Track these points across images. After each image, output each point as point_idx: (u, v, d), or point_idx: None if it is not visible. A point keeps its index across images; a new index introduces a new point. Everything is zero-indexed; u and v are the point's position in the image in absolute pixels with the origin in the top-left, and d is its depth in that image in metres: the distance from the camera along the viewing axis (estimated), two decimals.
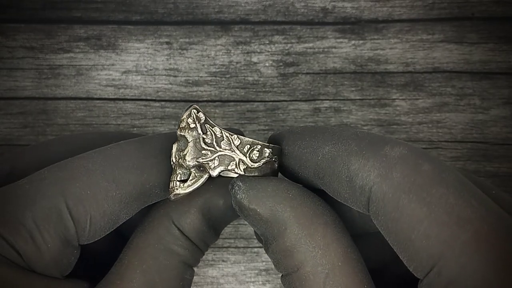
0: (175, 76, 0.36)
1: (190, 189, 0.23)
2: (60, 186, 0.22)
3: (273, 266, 0.34)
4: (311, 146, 0.23)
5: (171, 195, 0.23)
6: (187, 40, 0.36)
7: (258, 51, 0.36)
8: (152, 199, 0.23)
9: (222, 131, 0.23)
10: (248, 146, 0.23)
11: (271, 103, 0.36)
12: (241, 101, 0.36)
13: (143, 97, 0.36)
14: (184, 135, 0.23)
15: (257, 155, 0.24)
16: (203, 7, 0.36)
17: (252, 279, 0.35)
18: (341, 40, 0.36)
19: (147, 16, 0.36)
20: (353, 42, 0.36)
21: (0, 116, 0.36)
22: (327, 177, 0.22)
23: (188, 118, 0.23)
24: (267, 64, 0.36)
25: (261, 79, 0.36)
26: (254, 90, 0.36)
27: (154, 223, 0.24)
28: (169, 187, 0.23)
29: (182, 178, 0.23)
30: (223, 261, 0.35)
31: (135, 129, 0.36)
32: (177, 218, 0.24)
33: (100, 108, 0.36)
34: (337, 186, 0.21)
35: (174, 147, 0.23)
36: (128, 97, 0.36)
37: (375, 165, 0.20)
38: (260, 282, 0.35)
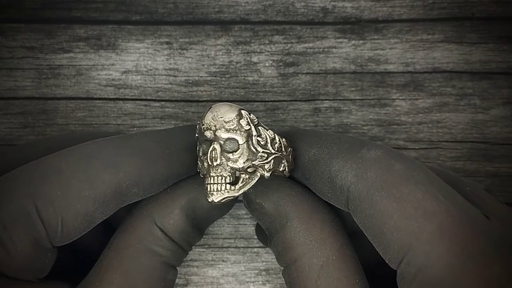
0: (175, 76, 0.36)
1: (241, 191, 0.23)
2: (30, 188, 0.21)
3: (273, 266, 0.34)
4: (299, 149, 0.24)
5: (217, 199, 0.22)
6: (187, 40, 0.36)
7: (258, 51, 0.36)
8: (130, 199, 0.23)
9: (275, 133, 0.23)
10: (290, 148, 0.24)
11: (271, 103, 0.36)
12: (241, 101, 0.36)
13: (143, 97, 0.36)
14: (233, 137, 0.22)
15: (293, 156, 0.24)
16: (203, 7, 0.36)
17: (252, 279, 0.35)
18: (341, 40, 0.36)
19: (147, 16, 0.36)
20: (353, 42, 0.36)
21: (0, 116, 0.36)
22: (312, 178, 0.23)
23: (239, 119, 0.22)
24: (267, 64, 0.36)
25: (261, 79, 0.36)
26: (254, 90, 0.36)
27: (136, 223, 0.24)
28: (208, 190, 0.22)
29: (230, 181, 0.22)
30: (223, 261, 0.35)
31: (135, 129, 0.36)
32: (159, 219, 0.24)
33: (100, 108, 0.36)
34: (321, 186, 0.23)
35: (217, 148, 0.22)
36: (128, 97, 0.36)
37: (353, 167, 0.21)
38: (260, 282, 0.35)
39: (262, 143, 0.23)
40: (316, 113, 0.36)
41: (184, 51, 0.36)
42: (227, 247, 0.35)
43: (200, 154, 0.23)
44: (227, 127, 0.22)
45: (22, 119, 0.35)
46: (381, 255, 0.21)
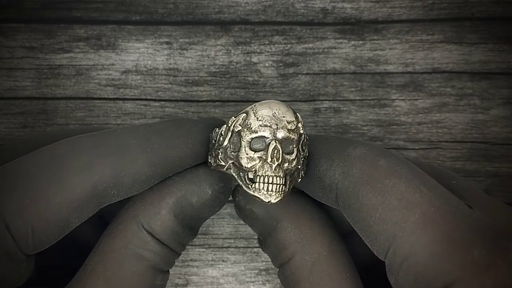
0: (175, 76, 0.36)
1: (288, 192, 0.22)
2: None
3: (273, 266, 0.34)
4: None
5: (276, 199, 0.22)
6: (187, 40, 0.36)
7: (258, 51, 0.36)
8: (109, 200, 0.22)
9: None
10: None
11: None
12: (241, 101, 0.36)
13: (143, 97, 0.36)
14: (292, 139, 0.22)
15: None
16: (203, 7, 0.36)
17: (252, 279, 0.35)
18: (340, 40, 0.36)
19: (147, 16, 0.36)
20: (352, 42, 0.36)
21: (0, 116, 0.35)
22: (304, 180, 0.24)
23: (298, 122, 0.22)
24: (267, 65, 0.36)
25: (261, 79, 0.36)
26: (254, 90, 0.36)
27: (122, 226, 0.23)
28: (266, 190, 0.22)
29: (284, 182, 0.22)
30: (223, 261, 0.35)
31: None
32: (146, 220, 0.23)
33: (100, 108, 0.36)
34: (312, 187, 0.23)
35: (279, 147, 0.22)
36: (128, 97, 0.36)
37: (339, 164, 0.22)
38: (260, 282, 0.35)
39: (304, 147, 0.23)
40: (315, 113, 0.36)
41: (184, 51, 0.36)
42: (227, 247, 0.35)
43: (247, 150, 0.22)
44: (289, 128, 0.22)
45: (22, 119, 0.35)
46: (370, 247, 0.21)
